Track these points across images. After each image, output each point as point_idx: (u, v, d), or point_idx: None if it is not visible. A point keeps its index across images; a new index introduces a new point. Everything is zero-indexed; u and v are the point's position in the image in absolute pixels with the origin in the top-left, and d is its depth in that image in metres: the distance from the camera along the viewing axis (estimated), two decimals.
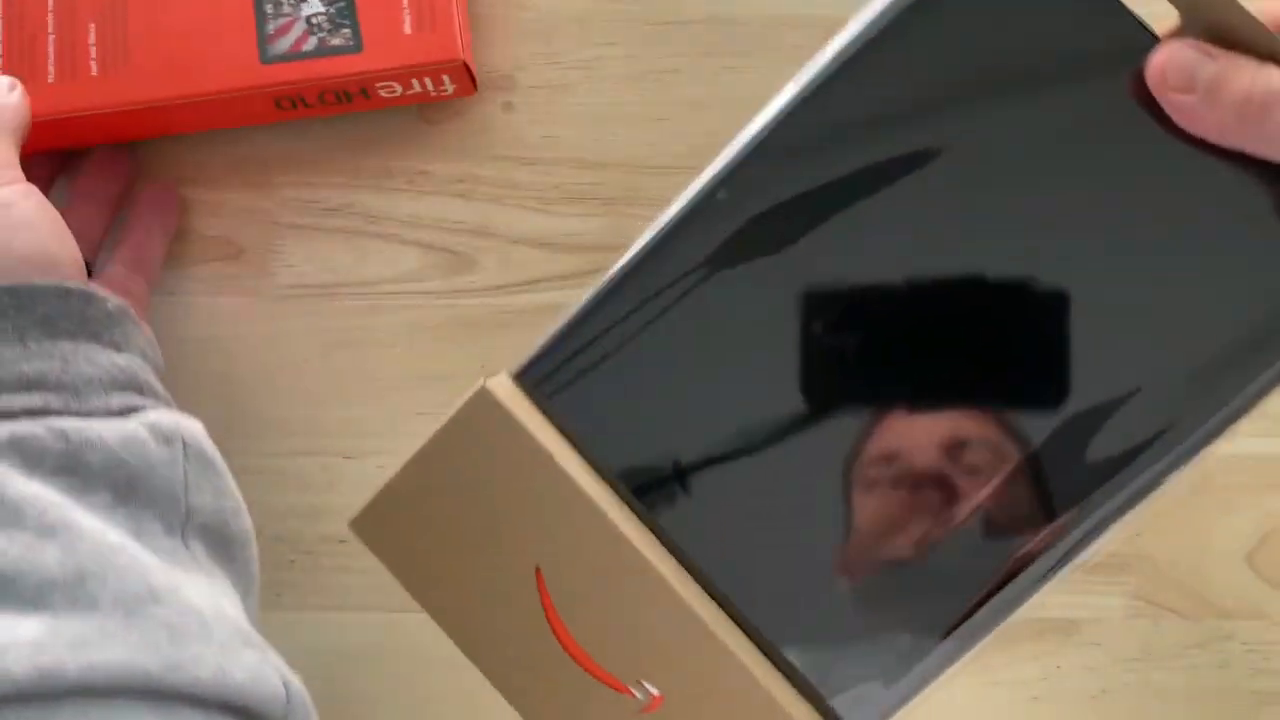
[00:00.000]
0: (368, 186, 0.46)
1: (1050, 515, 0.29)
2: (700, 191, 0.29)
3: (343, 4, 0.43)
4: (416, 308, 0.45)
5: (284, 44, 0.43)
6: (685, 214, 0.29)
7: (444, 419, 0.31)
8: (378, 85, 0.43)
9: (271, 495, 0.45)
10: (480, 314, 0.45)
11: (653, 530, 0.30)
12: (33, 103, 0.41)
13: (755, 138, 0.29)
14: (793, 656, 0.29)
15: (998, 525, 0.29)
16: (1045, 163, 0.28)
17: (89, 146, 0.46)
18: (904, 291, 0.29)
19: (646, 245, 0.29)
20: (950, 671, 0.29)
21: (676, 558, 0.30)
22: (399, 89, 0.44)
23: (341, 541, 0.45)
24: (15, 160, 0.38)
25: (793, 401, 0.29)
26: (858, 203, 0.29)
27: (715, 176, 0.29)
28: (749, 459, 0.29)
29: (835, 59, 0.28)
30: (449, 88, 0.44)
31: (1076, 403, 0.28)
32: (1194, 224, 0.28)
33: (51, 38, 0.44)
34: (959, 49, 0.28)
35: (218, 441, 0.45)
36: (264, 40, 0.43)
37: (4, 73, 0.44)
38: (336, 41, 0.43)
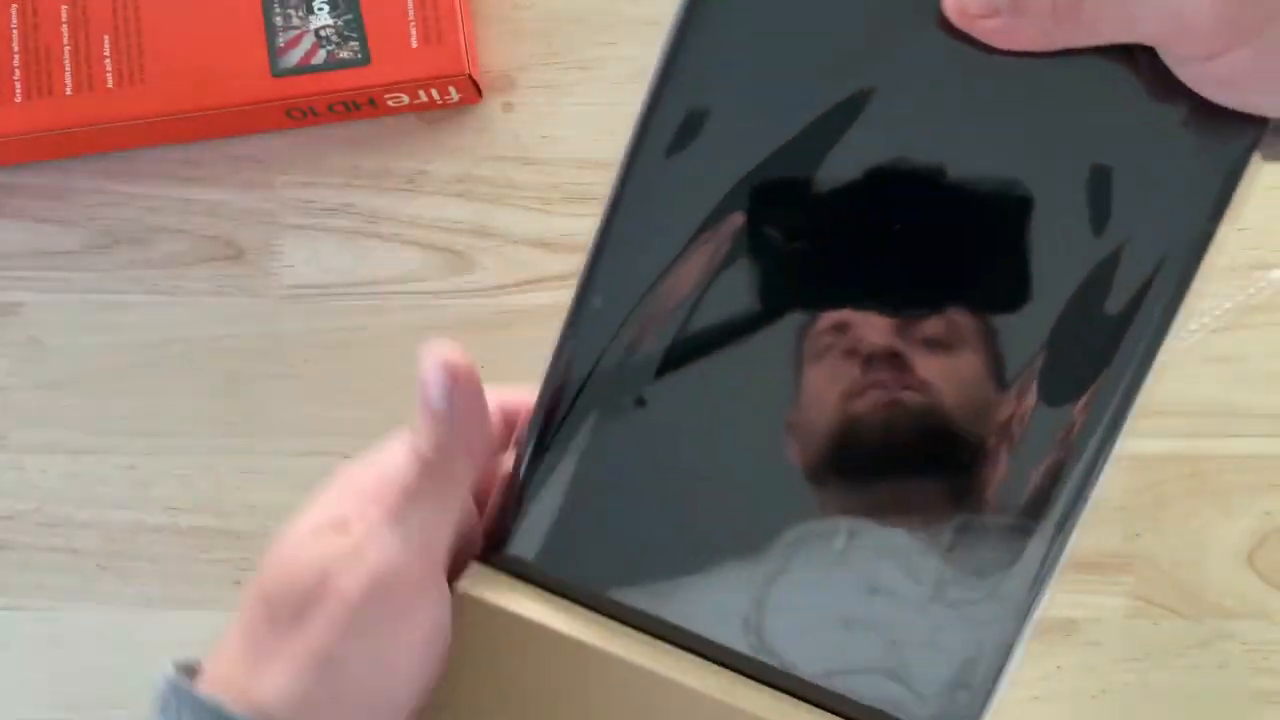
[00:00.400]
0: (368, 186, 0.46)
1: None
2: (579, 294, 0.28)
3: (350, 17, 0.43)
4: (416, 308, 0.45)
5: (294, 56, 0.44)
6: (570, 331, 0.28)
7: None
8: (385, 96, 0.44)
9: (272, 495, 0.45)
10: (480, 314, 0.45)
11: (685, 646, 0.29)
12: (50, 115, 0.41)
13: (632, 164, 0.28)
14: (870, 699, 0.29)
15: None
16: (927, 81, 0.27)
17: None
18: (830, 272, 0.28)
19: (546, 385, 0.29)
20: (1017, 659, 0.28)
21: (724, 663, 0.29)
22: (406, 99, 0.45)
23: None
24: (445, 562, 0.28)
25: (742, 464, 0.28)
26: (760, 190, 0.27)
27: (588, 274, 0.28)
28: (731, 530, 0.29)
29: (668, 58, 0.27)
30: (454, 97, 0.45)
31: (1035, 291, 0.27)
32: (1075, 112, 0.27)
33: (67, 49, 0.44)
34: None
35: (219, 442, 0.45)
36: (274, 53, 0.44)
37: (20, 84, 0.44)
38: (345, 54, 0.43)
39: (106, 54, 0.45)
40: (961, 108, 0.27)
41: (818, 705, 0.29)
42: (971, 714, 0.28)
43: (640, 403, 0.28)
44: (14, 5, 0.45)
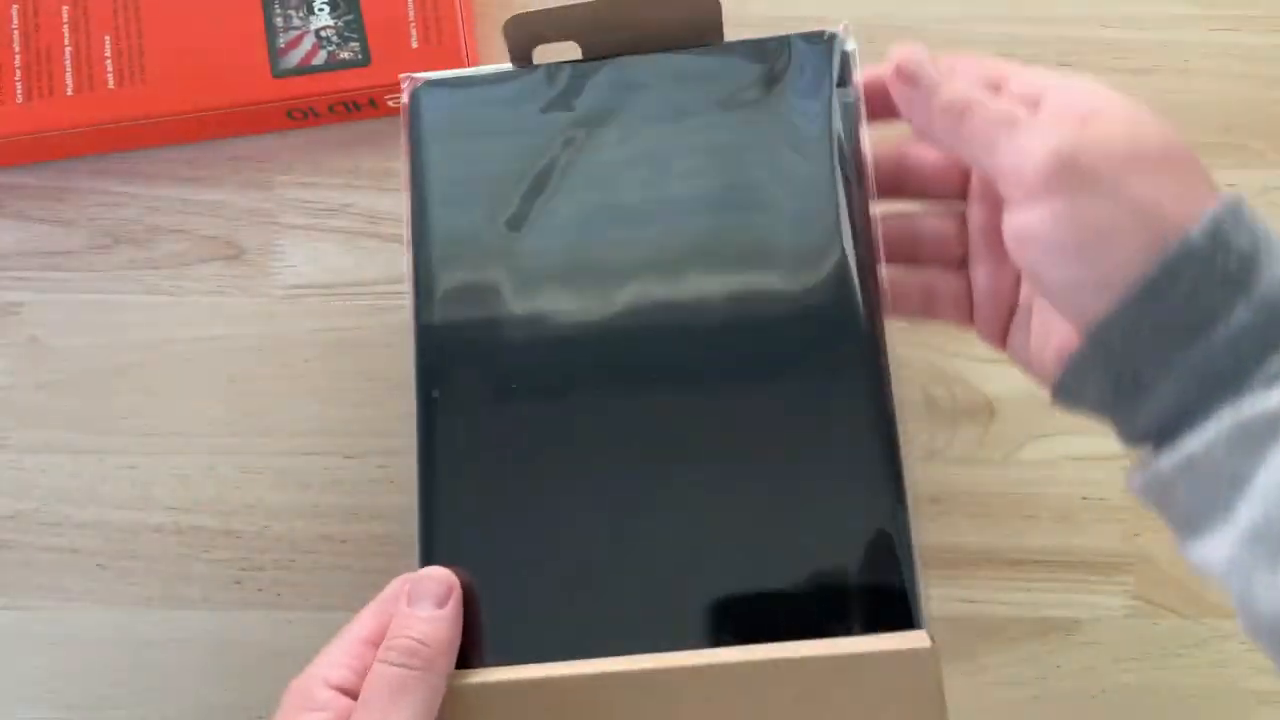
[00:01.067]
0: (368, 186, 0.46)
1: None
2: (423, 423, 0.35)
3: (351, 18, 0.44)
4: None
5: (294, 57, 0.44)
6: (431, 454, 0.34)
7: None
8: (386, 96, 0.45)
9: (272, 494, 0.45)
10: None
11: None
12: (51, 115, 0.41)
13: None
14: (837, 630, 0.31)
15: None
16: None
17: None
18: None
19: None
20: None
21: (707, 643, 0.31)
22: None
23: (342, 542, 0.45)
24: None
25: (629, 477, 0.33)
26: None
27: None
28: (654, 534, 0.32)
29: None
30: None
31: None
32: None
33: (68, 49, 0.45)
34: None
35: (219, 442, 0.45)
36: (275, 54, 0.44)
37: (21, 84, 0.44)
38: (345, 55, 0.44)
39: (107, 54, 0.45)
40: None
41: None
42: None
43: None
44: (15, 5, 0.45)
